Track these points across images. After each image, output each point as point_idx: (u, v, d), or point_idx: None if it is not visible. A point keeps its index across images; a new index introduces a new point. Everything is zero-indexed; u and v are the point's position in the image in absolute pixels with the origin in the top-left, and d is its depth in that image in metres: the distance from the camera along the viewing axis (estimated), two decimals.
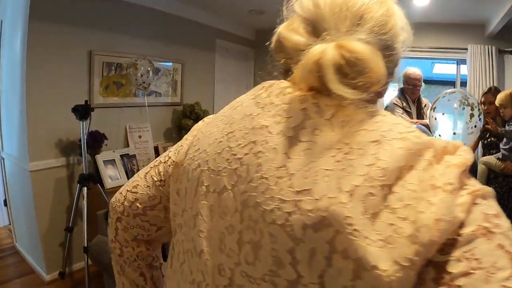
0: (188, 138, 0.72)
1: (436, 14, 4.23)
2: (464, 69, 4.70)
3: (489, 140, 3.25)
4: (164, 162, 0.75)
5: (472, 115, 2.33)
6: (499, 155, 3.06)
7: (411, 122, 3.54)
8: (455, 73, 4.77)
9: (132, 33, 3.31)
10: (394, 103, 3.65)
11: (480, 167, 3.21)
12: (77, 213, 2.61)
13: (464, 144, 1.69)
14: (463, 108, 2.37)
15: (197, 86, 4.21)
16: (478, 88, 4.37)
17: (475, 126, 2.34)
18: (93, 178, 2.54)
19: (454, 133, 2.42)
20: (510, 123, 3.03)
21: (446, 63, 5.01)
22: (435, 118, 2.54)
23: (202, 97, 4.23)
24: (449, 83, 6.29)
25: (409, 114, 3.64)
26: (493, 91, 3.30)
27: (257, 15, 4.32)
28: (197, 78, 4.20)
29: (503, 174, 3.05)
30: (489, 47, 4.30)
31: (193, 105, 3.90)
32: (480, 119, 2.36)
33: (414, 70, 3.64)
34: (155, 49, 3.55)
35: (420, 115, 3.68)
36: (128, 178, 3.00)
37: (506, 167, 2.99)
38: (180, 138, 4.19)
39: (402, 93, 3.72)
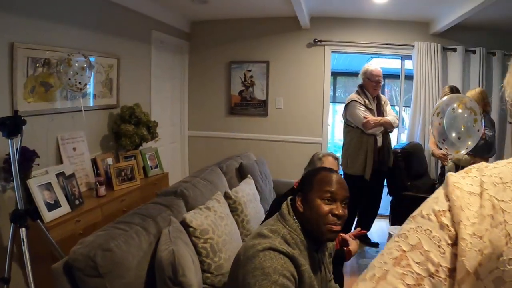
0: (457, 219, 0.49)
1: (386, 11, 4.46)
2: (407, 65, 5.05)
3: None
4: (430, 276, 0.48)
5: (475, 120, 2.39)
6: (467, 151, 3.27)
7: (375, 119, 3.60)
8: (392, 67, 5.02)
9: (64, 21, 2.87)
10: (355, 101, 3.73)
11: (450, 165, 3.46)
12: (13, 258, 2.13)
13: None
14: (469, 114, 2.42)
15: (134, 84, 3.87)
16: (424, 82, 4.71)
17: (478, 131, 2.42)
18: (30, 213, 2.08)
19: (459, 138, 2.47)
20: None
21: (391, 58, 5.26)
22: (439, 123, 2.58)
23: (139, 97, 3.90)
24: (386, 76, 6.68)
25: (371, 111, 3.75)
26: (454, 91, 3.49)
27: (199, 5, 4.06)
28: (133, 75, 3.86)
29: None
30: (435, 44, 4.63)
31: (133, 107, 3.55)
32: (482, 123, 2.45)
33: (376, 67, 3.76)
34: (90, 42, 3.14)
35: (380, 112, 3.82)
36: (70, 205, 2.67)
37: (475, 163, 3.17)
38: (119, 146, 3.75)
39: (362, 90, 3.78)
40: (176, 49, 4.84)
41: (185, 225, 2.06)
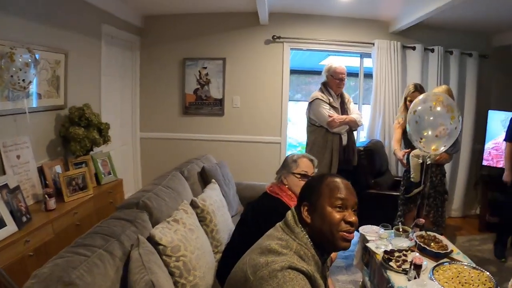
0: None
1: (346, 9, 4.58)
2: (366, 63, 5.21)
3: None
4: None
5: (453, 117, 2.45)
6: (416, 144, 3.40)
7: (340, 118, 3.62)
8: (348, 65, 5.11)
9: (5, 11, 2.61)
10: (319, 99, 3.73)
11: (413, 160, 3.55)
12: None
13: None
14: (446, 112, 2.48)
15: (83, 83, 3.64)
16: (384, 80, 4.87)
17: (456, 128, 2.48)
18: None
19: (436, 136, 2.51)
20: None
21: (350, 56, 5.36)
22: (416, 122, 2.62)
23: (89, 97, 3.68)
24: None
25: (335, 109, 3.78)
26: (419, 89, 3.61)
27: None
28: (82, 72, 3.63)
29: (436, 164, 3.48)
30: (395, 42, 4.82)
31: (82, 108, 3.32)
32: (460, 120, 2.51)
33: (340, 64, 3.80)
34: (34, 34, 2.89)
35: (344, 110, 3.86)
36: (17, 223, 2.42)
37: (441, 157, 3.42)
38: (68, 152, 3.46)
39: (326, 87, 3.79)
40: (127, 44, 4.64)
41: (154, 242, 1.89)
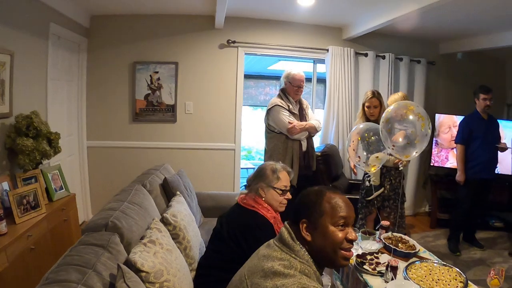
0: None
1: (302, 16, 4.75)
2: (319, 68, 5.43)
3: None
4: None
5: (423, 125, 2.63)
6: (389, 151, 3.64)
7: (300, 125, 3.74)
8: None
9: None
10: (278, 105, 3.84)
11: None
12: None
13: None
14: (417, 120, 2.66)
15: (30, 88, 3.48)
16: (338, 85, 5.10)
17: (427, 135, 2.66)
18: None
19: (408, 143, 2.69)
20: (404, 124, 3.60)
21: (303, 61, 5.52)
22: (389, 130, 2.79)
23: (35, 103, 3.54)
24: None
25: (295, 116, 3.90)
26: (376, 95, 3.81)
27: None
28: (29, 76, 3.47)
29: (395, 168, 3.75)
30: (348, 49, 5.08)
31: (30, 116, 3.19)
32: (430, 127, 2.70)
33: (299, 71, 3.93)
34: None
35: (302, 116, 3.99)
36: None
37: (399, 161, 3.63)
38: (15, 166, 3.22)
39: (284, 93, 3.90)
40: (73, 46, 4.49)
41: (135, 269, 1.77)
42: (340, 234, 1.45)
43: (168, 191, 3.33)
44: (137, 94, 4.83)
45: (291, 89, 3.88)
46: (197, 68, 4.92)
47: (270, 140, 3.96)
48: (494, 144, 4.35)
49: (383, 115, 2.86)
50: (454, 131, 4.85)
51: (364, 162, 3.04)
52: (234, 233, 2.21)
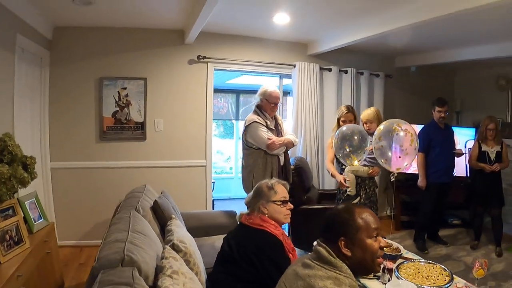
0: None
1: (271, 32, 4.81)
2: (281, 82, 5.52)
3: None
4: None
5: (412, 140, 2.88)
6: (364, 162, 3.84)
7: (279, 140, 3.77)
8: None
9: None
10: (256, 122, 3.84)
11: (350, 176, 3.93)
12: None
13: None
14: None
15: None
16: (304, 99, 5.19)
17: (415, 149, 2.91)
18: None
19: (399, 157, 2.89)
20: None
21: (270, 76, 5.57)
22: (382, 146, 2.97)
23: (2, 123, 3.21)
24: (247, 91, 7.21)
25: (272, 131, 3.92)
26: (351, 110, 4.08)
27: (81, 6, 3.62)
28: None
29: (369, 177, 3.95)
30: (314, 64, 5.23)
31: (4, 139, 2.85)
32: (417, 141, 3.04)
33: (275, 89, 4.01)
34: None
35: (278, 131, 4.02)
36: None
37: (374, 171, 3.90)
38: None
39: (260, 110, 3.92)
40: (36, 59, 4.12)
41: None
42: (376, 245, 1.61)
43: (159, 215, 3.13)
44: (105, 111, 4.55)
45: (267, 106, 3.91)
46: (166, 84, 4.76)
47: (249, 156, 3.93)
48: (451, 151, 4.77)
49: (376, 134, 3.06)
50: None
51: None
52: (247, 254, 2.17)
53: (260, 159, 3.87)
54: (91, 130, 4.57)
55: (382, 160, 3.21)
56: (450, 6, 3.16)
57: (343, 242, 1.58)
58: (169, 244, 2.30)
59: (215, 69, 4.97)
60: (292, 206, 2.52)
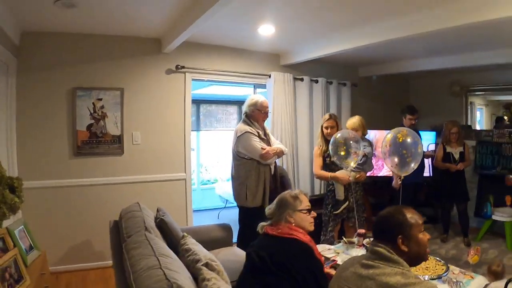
0: None
1: (246, 42, 4.84)
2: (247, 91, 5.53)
3: (330, 160, 4.07)
4: None
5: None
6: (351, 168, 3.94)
7: (273, 150, 3.84)
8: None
9: None
10: (249, 132, 3.82)
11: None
12: None
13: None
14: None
15: None
16: (280, 108, 5.23)
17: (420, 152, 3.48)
18: None
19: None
20: (363, 144, 4.11)
21: (245, 86, 5.53)
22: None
23: None
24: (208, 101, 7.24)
25: (264, 141, 3.91)
26: (333, 117, 4.26)
27: (66, 9, 3.30)
28: None
29: (355, 182, 4.12)
30: (288, 74, 5.30)
31: None
32: (422, 146, 3.59)
33: (264, 98, 4.02)
34: None
35: (267, 141, 4.01)
36: None
37: (361, 176, 4.12)
38: None
39: (250, 120, 3.93)
40: (1, 67, 3.60)
41: None
42: (425, 238, 1.82)
43: (166, 233, 2.96)
44: (79, 124, 4.15)
45: (260, 116, 3.92)
46: (143, 94, 4.48)
47: (241, 167, 3.88)
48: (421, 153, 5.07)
49: (384, 143, 3.46)
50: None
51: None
52: (283, 264, 2.17)
53: (253, 170, 3.83)
54: (64, 145, 4.13)
55: (393, 165, 3.44)
56: (416, 28, 3.63)
57: (400, 240, 1.74)
58: (202, 264, 2.15)
59: (193, 79, 4.78)
60: (315, 214, 2.58)
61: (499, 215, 4.97)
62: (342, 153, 3.71)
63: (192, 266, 2.19)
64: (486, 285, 2.66)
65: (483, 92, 6.46)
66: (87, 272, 4.20)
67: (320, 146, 4.27)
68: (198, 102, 7.00)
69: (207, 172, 7.97)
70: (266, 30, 4.17)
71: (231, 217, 6.93)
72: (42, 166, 4.06)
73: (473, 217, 5.53)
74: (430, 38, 4.06)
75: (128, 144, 4.44)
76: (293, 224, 2.43)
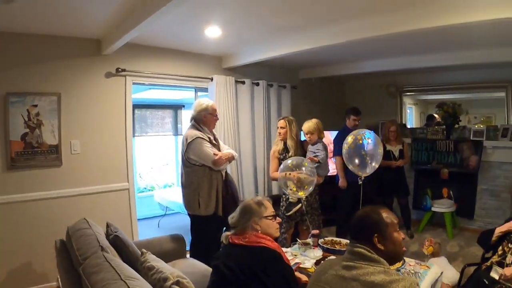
0: None
1: (187, 44, 4.78)
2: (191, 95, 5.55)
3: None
4: None
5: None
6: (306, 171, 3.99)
7: (225, 155, 3.83)
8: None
9: None
10: (200, 137, 3.75)
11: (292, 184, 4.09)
12: None
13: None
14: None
15: None
16: (223, 112, 5.18)
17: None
18: None
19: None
20: (316, 147, 4.30)
21: (186, 90, 5.38)
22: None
23: None
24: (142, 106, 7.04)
25: (215, 146, 3.88)
26: (284, 119, 4.42)
27: (2, 5, 2.99)
28: None
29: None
30: (230, 77, 5.32)
31: None
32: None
33: (213, 102, 4.03)
34: None
35: (218, 146, 3.97)
36: None
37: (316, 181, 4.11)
38: None
39: (200, 125, 3.87)
40: None
41: None
42: (400, 236, 1.87)
43: (122, 251, 2.83)
44: (12, 134, 3.77)
45: (212, 120, 3.89)
46: (82, 100, 4.20)
47: (192, 174, 3.80)
48: None
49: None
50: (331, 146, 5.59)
51: None
52: (255, 273, 2.17)
53: (205, 177, 3.76)
54: None
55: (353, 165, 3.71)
56: (357, 34, 3.83)
57: (376, 239, 1.79)
58: (172, 283, 2.07)
59: (133, 83, 4.58)
60: (280, 220, 2.62)
61: (438, 207, 5.45)
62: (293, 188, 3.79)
63: (160, 286, 2.10)
64: (441, 273, 2.87)
65: (413, 93, 7.05)
66: None
67: (277, 145, 4.39)
68: (133, 107, 6.75)
69: (141, 179, 7.68)
70: (213, 32, 4.11)
71: (172, 225, 6.80)
72: None
73: (412, 209, 5.94)
74: (371, 43, 4.23)
75: (67, 154, 4.12)
76: (260, 232, 2.41)
